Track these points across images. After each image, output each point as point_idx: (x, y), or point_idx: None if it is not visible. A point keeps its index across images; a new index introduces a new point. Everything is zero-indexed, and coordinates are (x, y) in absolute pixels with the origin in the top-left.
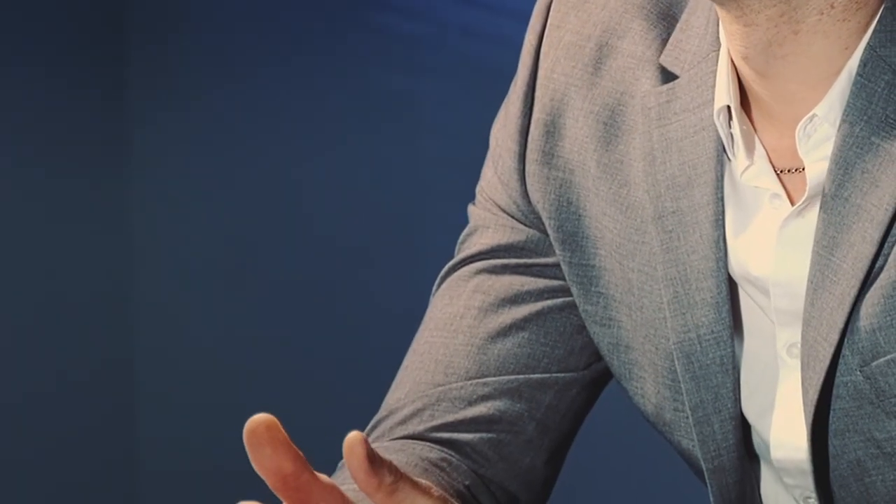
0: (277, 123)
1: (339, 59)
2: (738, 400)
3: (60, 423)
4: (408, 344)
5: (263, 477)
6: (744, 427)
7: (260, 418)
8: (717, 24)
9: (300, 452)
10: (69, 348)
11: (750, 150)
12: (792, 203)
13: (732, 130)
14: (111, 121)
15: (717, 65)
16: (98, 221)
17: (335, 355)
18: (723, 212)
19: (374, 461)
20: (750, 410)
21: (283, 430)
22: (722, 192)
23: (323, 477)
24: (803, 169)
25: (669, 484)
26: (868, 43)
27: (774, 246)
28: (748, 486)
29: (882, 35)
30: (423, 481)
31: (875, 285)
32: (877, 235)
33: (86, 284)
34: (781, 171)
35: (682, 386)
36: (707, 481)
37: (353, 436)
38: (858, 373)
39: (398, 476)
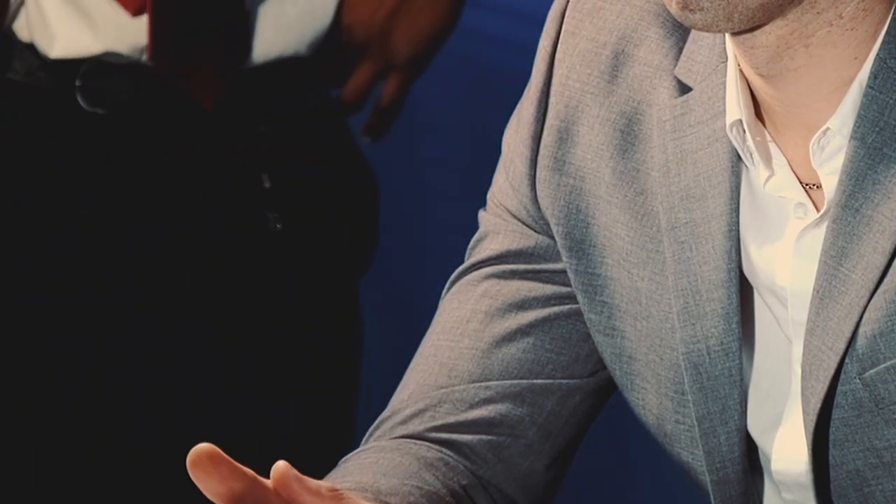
0: None
1: None
2: (744, 412)
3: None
4: (401, 344)
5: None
6: (749, 440)
7: (200, 449)
8: (724, 36)
9: (247, 470)
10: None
11: (768, 160)
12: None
13: (748, 143)
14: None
15: (726, 76)
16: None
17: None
18: (737, 222)
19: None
20: (754, 424)
21: (226, 455)
22: (737, 203)
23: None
24: None
25: (676, 494)
26: (878, 54)
27: (791, 257)
28: (752, 499)
29: (891, 46)
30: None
31: (879, 290)
32: (889, 246)
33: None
34: (806, 185)
35: (689, 397)
36: (711, 494)
37: (280, 467)
38: (857, 381)
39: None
